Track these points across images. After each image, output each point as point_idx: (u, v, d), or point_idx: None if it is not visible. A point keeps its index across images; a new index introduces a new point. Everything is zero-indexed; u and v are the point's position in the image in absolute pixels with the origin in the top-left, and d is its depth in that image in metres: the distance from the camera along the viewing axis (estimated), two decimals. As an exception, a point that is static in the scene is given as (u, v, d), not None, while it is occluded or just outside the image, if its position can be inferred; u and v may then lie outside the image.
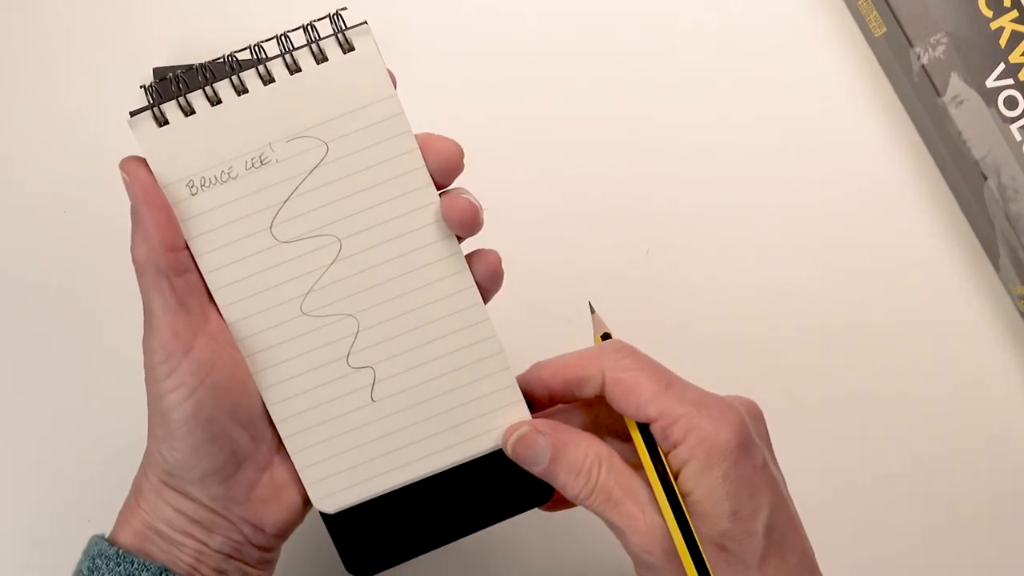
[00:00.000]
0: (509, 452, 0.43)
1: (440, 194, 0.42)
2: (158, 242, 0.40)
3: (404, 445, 0.43)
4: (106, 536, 0.42)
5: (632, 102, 0.58)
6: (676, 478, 0.40)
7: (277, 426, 0.43)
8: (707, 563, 0.39)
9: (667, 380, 0.40)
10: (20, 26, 0.56)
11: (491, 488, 0.44)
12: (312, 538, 0.49)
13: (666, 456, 0.40)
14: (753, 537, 0.39)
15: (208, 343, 0.41)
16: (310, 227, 0.42)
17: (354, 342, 0.43)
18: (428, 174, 0.42)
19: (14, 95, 0.56)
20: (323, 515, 0.44)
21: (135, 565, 0.40)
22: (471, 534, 0.44)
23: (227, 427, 0.41)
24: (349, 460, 0.43)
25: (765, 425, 0.42)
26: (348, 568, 0.44)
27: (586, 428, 0.43)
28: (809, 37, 0.59)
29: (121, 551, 0.41)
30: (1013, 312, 0.58)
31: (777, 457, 0.42)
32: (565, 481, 0.41)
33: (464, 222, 0.42)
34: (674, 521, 0.39)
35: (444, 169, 0.42)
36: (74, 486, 0.54)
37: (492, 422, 0.43)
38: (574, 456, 0.41)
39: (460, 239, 0.43)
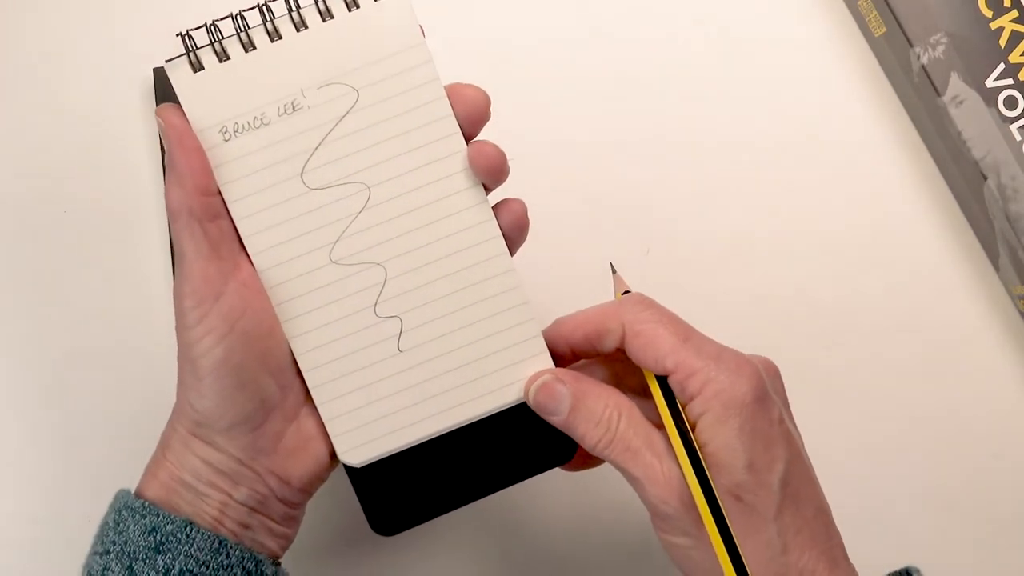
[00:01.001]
0: (530, 400, 0.43)
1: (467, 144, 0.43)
2: (192, 186, 0.40)
3: (430, 396, 0.43)
4: (132, 491, 0.42)
5: (631, 102, 0.58)
6: (693, 430, 0.40)
7: (304, 376, 0.43)
8: (724, 513, 0.38)
9: (685, 333, 0.41)
10: (20, 26, 0.56)
11: (514, 445, 0.44)
12: (335, 500, 0.49)
13: (683, 408, 0.40)
14: (768, 489, 0.39)
15: (239, 289, 0.41)
16: (340, 174, 0.42)
17: (381, 291, 0.43)
18: (456, 122, 0.42)
19: (14, 95, 0.56)
20: (348, 471, 0.44)
21: (160, 518, 0.40)
22: (494, 493, 0.44)
23: (256, 374, 0.41)
24: (375, 411, 0.43)
25: (782, 383, 0.43)
26: (373, 527, 0.44)
27: (607, 383, 0.43)
28: (809, 37, 0.59)
29: (147, 503, 0.41)
30: (1013, 312, 0.58)
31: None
32: (585, 431, 0.41)
33: (491, 169, 0.42)
34: (691, 471, 0.39)
35: (472, 117, 0.43)
36: (74, 486, 0.54)
37: (517, 373, 0.44)
38: (594, 405, 0.41)
39: (487, 189, 0.43)
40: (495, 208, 0.43)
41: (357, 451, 0.43)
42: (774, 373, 0.42)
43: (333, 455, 0.44)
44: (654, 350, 0.40)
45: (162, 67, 0.55)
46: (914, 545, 0.57)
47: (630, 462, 0.40)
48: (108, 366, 0.54)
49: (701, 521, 0.39)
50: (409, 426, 0.43)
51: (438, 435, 0.44)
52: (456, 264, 0.43)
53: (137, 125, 0.56)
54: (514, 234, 0.44)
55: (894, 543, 0.56)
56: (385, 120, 0.42)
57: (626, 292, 0.44)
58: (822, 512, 0.41)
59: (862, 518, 0.56)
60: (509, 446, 0.44)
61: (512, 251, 0.44)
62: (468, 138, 0.43)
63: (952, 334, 0.58)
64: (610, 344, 0.42)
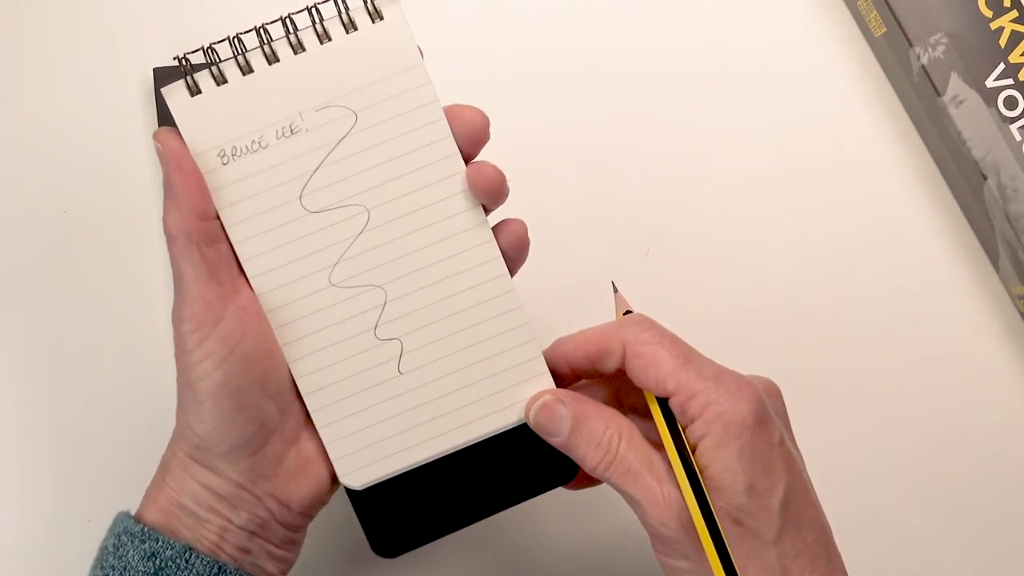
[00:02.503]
0: (531, 422, 0.43)
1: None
2: (189, 209, 0.40)
3: (431, 418, 0.43)
4: (132, 513, 0.42)
5: (630, 103, 0.58)
6: (693, 452, 0.40)
7: (305, 399, 0.43)
8: (724, 536, 0.38)
9: (686, 355, 0.40)
10: (21, 26, 0.56)
11: (516, 465, 0.44)
12: (336, 522, 0.49)
13: (684, 430, 0.40)
14: (769, 512, 0.39)
15: (238, 313, 0.41)
16: (339, 197, 0.42)
17: (381, 314, 0.43)
18: (455, 143, 0.42)
19: (15, 95, 0.56)
20: (349, 493, 0.44)
21: (159, 543, 0.40)
22: (497, 513, 0.44)
23: (256, 398, 0.41)
24: (376, 434, 0.43)
25: (783, 403, 0.43)
26: (375, 549, 0.44)
27: (607, 403, 0.43)
28: (809, 37, 0.59)
29: (146, 528, 0.41)
30: (1013, 312, 0.58)
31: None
32: (585, 452, 0.41)
33: (491, 190, 0.42)
34: (691, 493, 0.39)
35: (470, 139, 0.43)
36: (73, 488, 0.54)
37: (518, 394, 0.43)
38: (594, 427, 0.41)
39: (486, 209, 0.43)
40: (495, 228, 0.43)
41: (358, 474, 0.43)
42: (775, 394, 0.42)
43: (334, 478, 0.44)
44: (655, 371, 0.40)
45: (162, 67, 0.55)
46: (915, 546, 0.57)
47: (630, 484, 0.40)
48: (108, 366, 0.54)
49: (701, 545, 0.39)
50: (410, 448, 0.43)
51: (439, 456, 0.44)
52: (456, 286, 0.43)
53: (137, 125, 0.56)
54: (514, 254, 0.44)
55: (895, 544, 0.56)
56: (384, 142, 0.42)
57: (628, 312, 0.44)
58: (823, 534, 0.41)
59: (862, 519, 0.56)
60: (511, 466, 0.44)
61: (513, 271, 0.44)
62: (467, 159, 0.43)
63: (952, 334, 0.58)
64: (611, 365, 0.42)
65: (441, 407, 0.43)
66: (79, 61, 0.56)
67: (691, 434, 0.40)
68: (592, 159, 0.58)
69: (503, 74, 0.58)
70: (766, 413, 0.40)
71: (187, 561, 0.40)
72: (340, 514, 0.46)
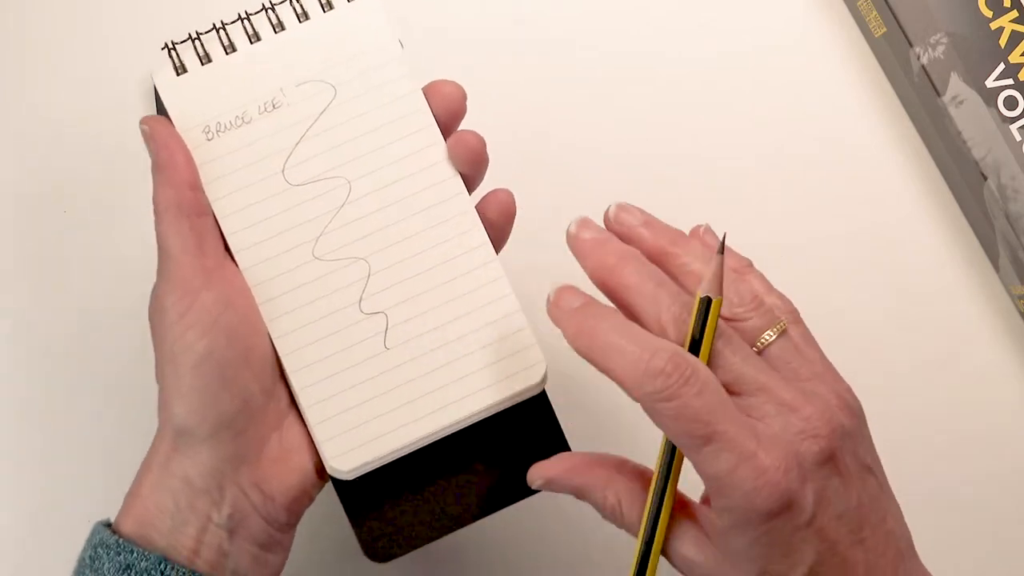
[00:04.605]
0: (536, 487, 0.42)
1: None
2: (179, 180, 0.41)
3: (420, 396, 0.42)
4: (111, 520, 0.42)
5: (628, 104, 0.58)
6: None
7: (289, 378, 0.42)
8: None
9: (708, 436, 0.36)
10: (20, 26, 0.56)
11: (515, 454, 0.43)
12: (325, 530, 0.48)
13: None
14: None
15: (222, 285, 0.41)
16: (320, 169, 0.43)
17: (366, 286, 0.42)
18: (431, 114, 0.43)
19: (14, 95, 0.56)
20: (338, 488, 0.42)
21: (134, 555, 0.40)
22: (497, 511, 0.43)
23: (239, 373, 0.40)
24: (363, 414, 0.42)
25: (857, 432, 0.40)
26: (367, 552, 0.43)
27: None
28: (809, 38, 0.59)
29: (121, 540, 0.40)
30: (1013, 312, 0.58)
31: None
32: (603, 514, 0.41)
33: (473, 158, 0.43)
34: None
35: (449, 111, 0.43)
36: (71, 485, 0.54)
37: (510, 367, 0.42)
38: (595, 500, 0.41)
39: (469, 180, 0.43)
40: (483, 200, 0.43)
41: (345, 457, 0.42)
42: (839, 418, 0.39)
43: (320, 471, 0.42)
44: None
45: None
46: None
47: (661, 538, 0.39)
48: (106, 363, 0.54)
49: None
50: (400, 428, 0.42)
51: (431, 439, 0.42)
52: (438, 256, 0.43)
53: (136, 123, 0.56)
54: (502, 222, 0.44)
55: (894, 543, 0.56)
56: (362, 115, 0.43)
57: (706, 298, 0.38)
58: None
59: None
60: (509, 455, 0.43)
61: (500, 241, 0.44)
62: (446, 133, 0.43)
63: (952, 334, 0.58)
64: None
65: (430, 383, 0.42)
66: (78, 60, 0.56)
67: (713, 507, 0.38)
68: (589, 159, 0.58)
69: (494, 74, 0.58)
70: (790, 497, 0.36)
71: (162, 573, 0.39)
72: (326, 528, 0.44)
